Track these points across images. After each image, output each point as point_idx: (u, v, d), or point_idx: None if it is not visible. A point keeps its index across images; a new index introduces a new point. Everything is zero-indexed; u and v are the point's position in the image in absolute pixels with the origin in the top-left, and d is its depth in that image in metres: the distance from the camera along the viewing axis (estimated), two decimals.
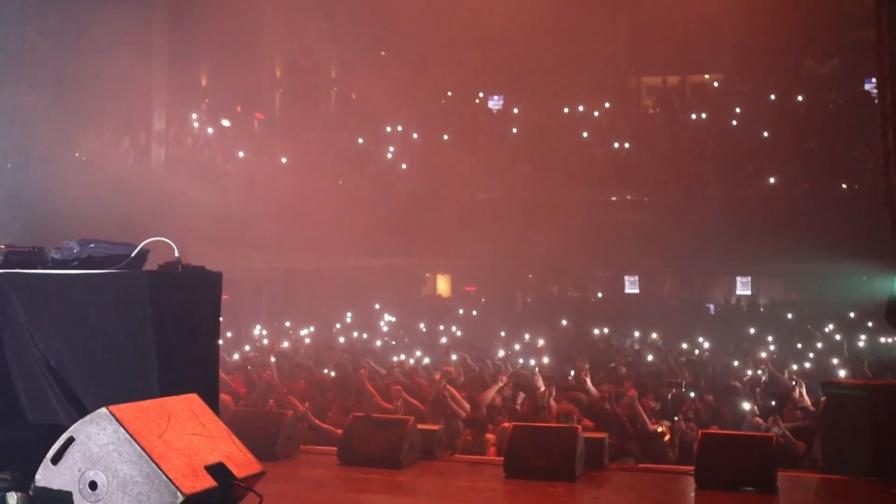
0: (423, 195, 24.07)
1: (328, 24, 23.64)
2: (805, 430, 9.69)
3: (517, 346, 17.10)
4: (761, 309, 24.89)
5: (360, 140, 26.37)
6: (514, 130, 26.36)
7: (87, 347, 4.96)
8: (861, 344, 18.55)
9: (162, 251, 5.15)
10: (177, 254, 5.14)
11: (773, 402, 11.04)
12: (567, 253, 22.92)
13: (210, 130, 23.01)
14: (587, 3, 24.56)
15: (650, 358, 15.75)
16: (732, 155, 24.06)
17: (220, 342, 5.93)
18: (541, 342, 15.36)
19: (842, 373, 13.01)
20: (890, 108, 15.56)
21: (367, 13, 24.26)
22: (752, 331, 19.86)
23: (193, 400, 4.66)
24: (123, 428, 4.06)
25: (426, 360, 14.27)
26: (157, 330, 4.88)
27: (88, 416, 4.16)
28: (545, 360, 13.79)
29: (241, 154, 23.19)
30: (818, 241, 20.63)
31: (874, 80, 17.75)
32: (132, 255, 5.24)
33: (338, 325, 20.56)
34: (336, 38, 24.90)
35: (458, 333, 19.94)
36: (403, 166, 25.44)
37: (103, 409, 4.12)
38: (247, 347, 15.56)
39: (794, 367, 15.19)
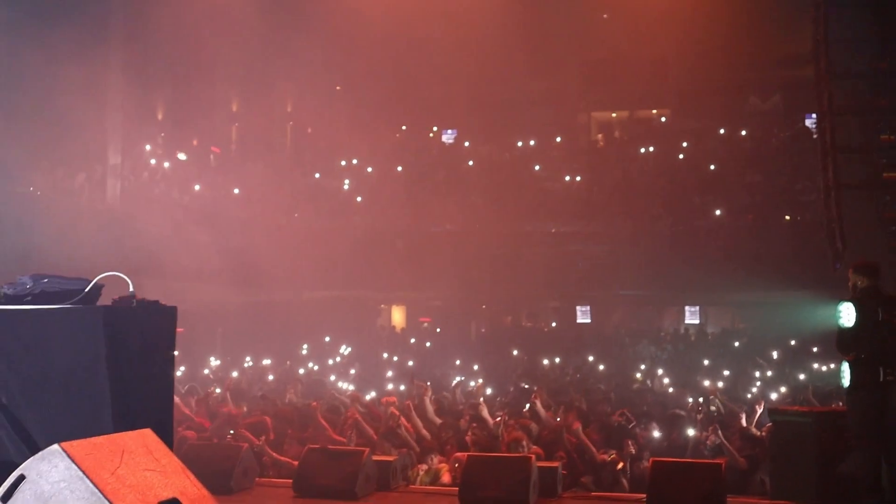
0: (377, 228, 24.31)
1: (284, 59, 23.87)
2: (753, 456, 9.87)
3: (472, 383, 17.32)
4: (709, 337, 25.39)
5: (316, 174, 26.58)
6: (470, 163, 26.73)
7: (39, 383, 4.91)
8: (804, 372, 19.06)
9: (117, 286, 5.14)
10: (131, 288, 5.14)
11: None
12: (520, 284, 23.27)
13: (166, 164, 23.10)
14: (538, 41, 25.04)
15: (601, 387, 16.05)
16: (680, 188, 24.61)
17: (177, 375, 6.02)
18: (479, 381, 15.45)
19: (774, 397, 13.40)
20: (829, 144, 16.24)
21: (323, 49, 24.55)
22: (705, 362, 20.25)
23: (147, 435, 4.60)
24: (76, 464, 3.99)
25: (372, 394, 14.42)
26: (111, 365, 4.85)
27: (40, 454, 4.09)
28: (489, 390, 14.00)
29: (197, 187, 23.29)
30: (763, 272, 21.13)
31: (814, 115, 18.42)
32: (86, 290, 5.21)
33: (303, 351, 20.65)
34: (292, 73, 25.14)
35: (410, 364, 20.16)
36: (359, 199, 25.68)
37: (55, 446, 4.05)
38: (215, 387, 15.58)
39: (742, 394, 15.65)
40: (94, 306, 5.19)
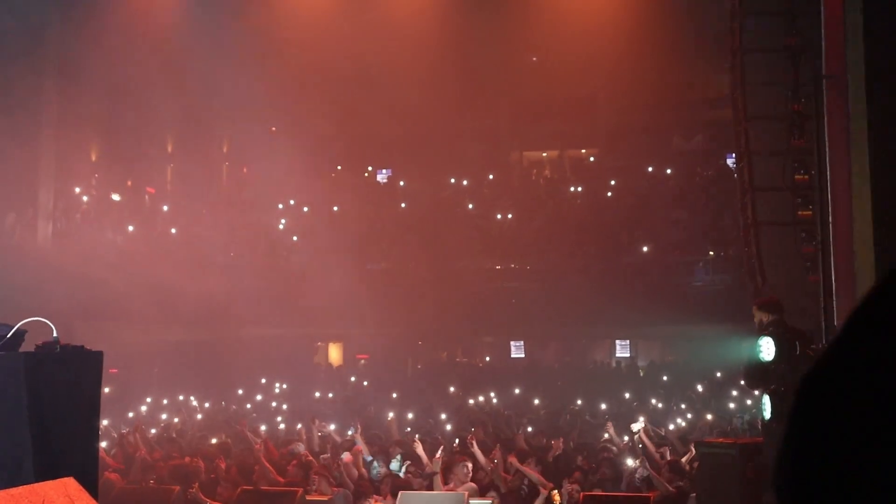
0: (313, 265, 24.44)
1: (219, 100, 24.02)
2: (682, 487, 10.11)
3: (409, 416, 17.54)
4: (640, 373, 25.98)
5: (251, 213, 26.69)
6: (403, 205, 27.09)
7: None
8: (729, 404, 19.67)
9: (41, 331, 5.08)
10: (55, 334, 5.08)
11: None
12: (455, 320, 23.58)
13: (99, 205, 23.01)
14: (470, 81, 25.61)
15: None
16: (609, 225, 25.25)
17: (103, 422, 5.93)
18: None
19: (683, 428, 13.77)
20: (748, 183, 16.97)
21: (257, 90, 24.76)
22: (627, 395, 20.70)
23: (70, 484, 4.45)
24: None
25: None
26: (33, 413, 4.73)
27: None
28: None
29: (130, 228, 23.22)
30: (689, 306, 21.77)
31: (734, 156, 19.18)
32: (7, 336, 5.09)
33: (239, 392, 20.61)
34: (227, 114, 25.27)
35: (330, 395, 20.33)
36: (294, 238, 25.82)
37: None
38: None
39: (670, 426, 16.13)
40: (15, 353, 5.07)
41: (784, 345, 7.99)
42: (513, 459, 10.45)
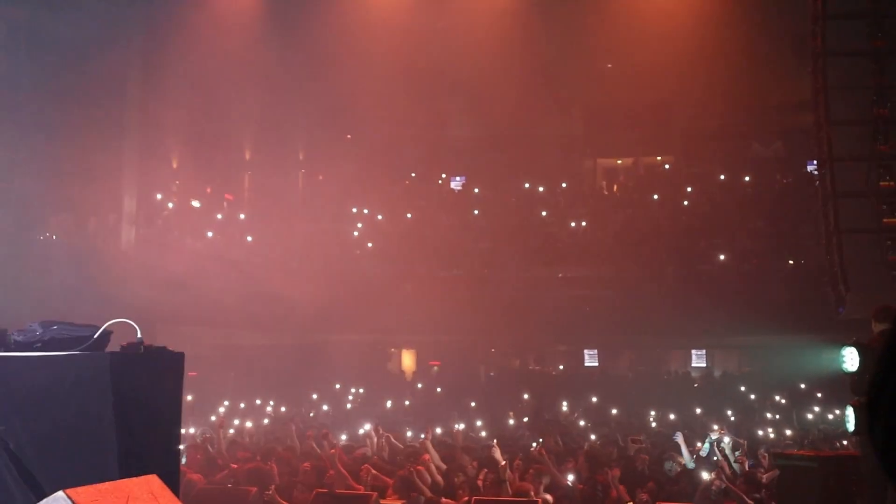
0: (387, 272, 24.64)
1: (296, 108, 24.40)
2: (760, 500, 9.98)
3: (479, 422, 17.52)
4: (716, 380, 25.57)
5: (326, 220, 27.02)
6: (476, 212, 27.15)
7: (47, 430, 4.91)
8: (810, 416, 19.23)
9: (125, 332, 5.19)
10: (139, 335, 5.15)
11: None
12: (528, 328, 23.49)
13: (179, 211, 23.54)
14: (544, 88, 25.55)
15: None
16: (685, 233, 24.92)
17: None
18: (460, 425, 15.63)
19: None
20: (830, 190, 16.60)
21: (334, 98, 25.09)
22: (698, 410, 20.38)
23: (153, 481, 4.54)
24: None
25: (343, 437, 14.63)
26: (118, 411, 4.84)
27: (45, 500, 4.04)
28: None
29: (209, 234, 23.69)
30: (767, 316, 21.33)
31: (815, 162, 18.78)
32: (94, 336, 5.21)
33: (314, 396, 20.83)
34: (303, 122, 25.65)
35: (406, 403, 20.40)
36: (369, 245, 26.07)
37: (60, 493, 4.00)
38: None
39: (748, 438, 15.80)
40: (102, 353, 5.21)
41: (871, 356, 7.73)
42: (616, 473, 10.32)
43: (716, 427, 14.00)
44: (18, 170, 19.03)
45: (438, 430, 15.00)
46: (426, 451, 11.56)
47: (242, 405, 20.14)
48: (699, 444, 13.06)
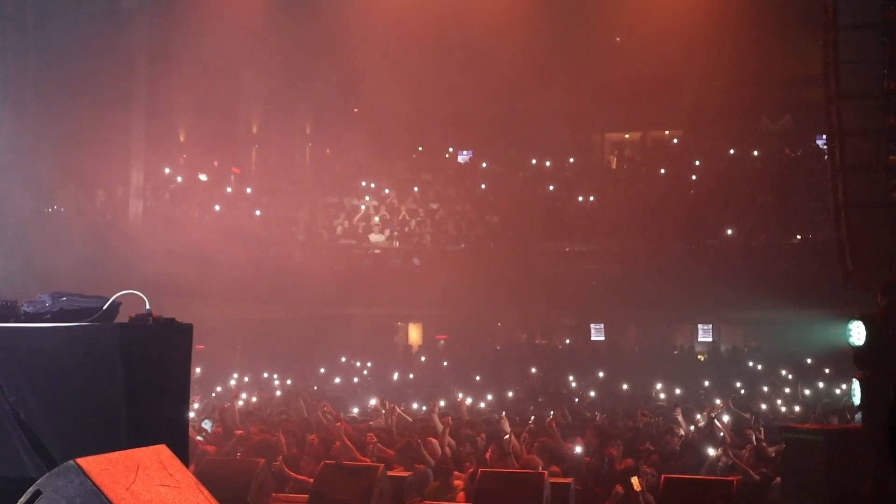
0: (394, 246, 24.66)
1: (303, 83, 24.34)
2: (766, 474, 9.90)
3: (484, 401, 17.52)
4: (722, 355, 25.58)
5: (334, 193, 27.01)
6: (483, 186, 27.10)
7: (57, 400, 4.93)
8: (813, 389, 19.23)
9: (134, 304, 5.21)
10: (147, 306, 5.19)
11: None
12: (535, 301, 23.50)
13: (186, 185, 23.52)
14: (551, 61, 25.40)
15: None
16: (692, 207, 24.84)
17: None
18: (467, 399, 15.67)
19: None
20: (839, 164, 16.51)
21: (340, 72, 25.01)
22: (706, 383, 20.39)
23: (162, 451, 4.57)
24: (91, 480, 3.97)
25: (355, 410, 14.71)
26: (127, 382, 4.87)
27: (56, 469, 4.06)
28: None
29: (217, 207, 23.69)
30: (774, 291, 21.27)
31: (825, 136, 18.65)
32: (104, 308, 5.24)
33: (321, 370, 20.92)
34: (310, 96, 25.57)
35: (411, 376, 20.47)
36: (376, 219, 26.07)
37: (71, 462, 4.02)
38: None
39: (754, 412, 15.82)
40: (111, 324, 5.24)
41: (878, 330, 7.69)
42: (615, 451, 10.34)
43: (718, 402, 13.99)
44: (26, 143, 19.02)
45: (442, 403, 15.03)
46: (434, 424, 11.60)
47: (246, 379, 20.21)
48: (698, 417, 13.08)
